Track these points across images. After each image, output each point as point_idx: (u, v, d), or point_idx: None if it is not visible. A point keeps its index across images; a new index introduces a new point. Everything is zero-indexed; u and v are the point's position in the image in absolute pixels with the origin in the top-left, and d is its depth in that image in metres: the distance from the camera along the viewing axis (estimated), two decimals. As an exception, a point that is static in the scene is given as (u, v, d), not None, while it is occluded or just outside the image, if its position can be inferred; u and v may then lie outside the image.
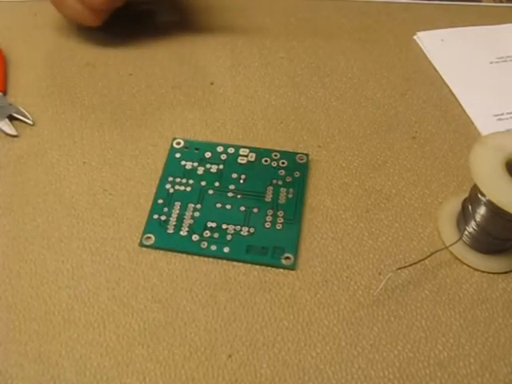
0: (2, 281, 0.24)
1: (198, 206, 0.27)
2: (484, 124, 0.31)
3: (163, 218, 0.26)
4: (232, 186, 0.27)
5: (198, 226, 0.26)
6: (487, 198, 0.22)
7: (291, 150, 0.29)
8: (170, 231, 0.26)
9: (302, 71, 0.34)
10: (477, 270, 0.25)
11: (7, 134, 0.30)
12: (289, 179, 0.28)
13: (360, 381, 0.21)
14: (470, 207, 0.24)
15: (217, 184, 0.27)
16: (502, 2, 0.42)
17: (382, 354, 0.22)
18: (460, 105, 0.32)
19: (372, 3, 0.39)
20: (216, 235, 0.25)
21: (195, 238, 0.25)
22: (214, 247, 0.25)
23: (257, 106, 0.32)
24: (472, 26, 0.37)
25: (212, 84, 0.33)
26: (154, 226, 0.26)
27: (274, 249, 0.25)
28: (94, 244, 0.26)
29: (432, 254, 0.24)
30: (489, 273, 0.24)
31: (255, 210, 0.26)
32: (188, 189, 0.27)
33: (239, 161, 0.28)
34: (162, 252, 0.25)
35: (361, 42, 0.36)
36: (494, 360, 0.22)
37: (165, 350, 0.22)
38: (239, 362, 0.22)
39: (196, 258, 0.25)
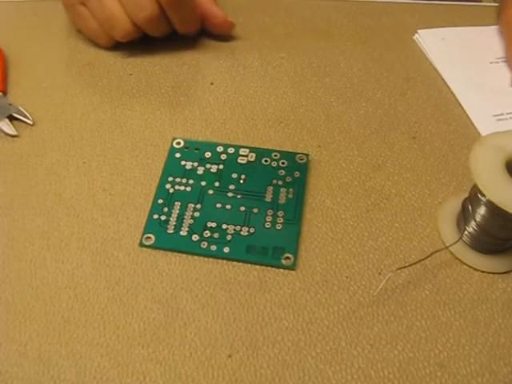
0: (2, 281, 0.24)
1: (198, 206, 0.27)
2: (484, 124, 0.31)
3: (163, 217, 0.26)
4: (232, 186, 0.27)
5: (197, 226, 0.26)
6: (487, 197, 0.22)
7: (291, 150, 0.29)
8: (170, 231, 0.26)
9: (302, 71, 0.34)
10: (477, 269, 0.25)
11: (7, 134, 0.30)
12: (289, 179, 0.28)
13: (360, 381, 0.21)
14: (469, 207, 0.24)
15: (217, 184, 0.27)
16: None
17: (382, 353, 0.22)
18: (460, 105, 0.32)
19: (372, 3, 0.39)
20: (216, 235, 0.25)
21: (195, 238, 0.25)
22: (213, 247, 0.25)
23: (257, 105, 0.32)
24: (472, 26, 0.37)
25: (212, 84, 0.33)
26: (154, 225, 0.26)
27: (273, 249, 0.25)
28: (94, 244, 0.26)
29: (432, 254, 0.24)
30: (489, 273, 0.24)
31: (255, 210, 0.26)
32: (188, 189, 0.27)
33: (239, 161, 0.28)
34: (161, 252, 0.25)
35: (361, 42, 0.36)
36: (493, 360, 0.22)
37: (165, 349, 0.22)
38: (239, 362, 0.22)
39: (196, 257, 0.25)
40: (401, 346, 0.22)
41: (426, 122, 0.31)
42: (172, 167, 0.28)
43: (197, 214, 0.26)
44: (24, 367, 0.22)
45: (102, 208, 0.27)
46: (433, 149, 0.30)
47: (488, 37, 0.36)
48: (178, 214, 0.26)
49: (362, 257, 0.25)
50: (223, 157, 0.29)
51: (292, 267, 0.24)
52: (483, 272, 0.24)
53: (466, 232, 0.25)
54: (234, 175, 0.28)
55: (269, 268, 0.25)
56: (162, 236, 0.25)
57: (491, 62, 0.35)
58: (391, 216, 0.27)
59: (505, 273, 0.25)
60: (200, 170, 0.28)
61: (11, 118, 0.31)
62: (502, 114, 0.31)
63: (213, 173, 0.28)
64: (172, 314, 0.23)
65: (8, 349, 0.22)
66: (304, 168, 0.28)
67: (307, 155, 0.29)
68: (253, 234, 0.25)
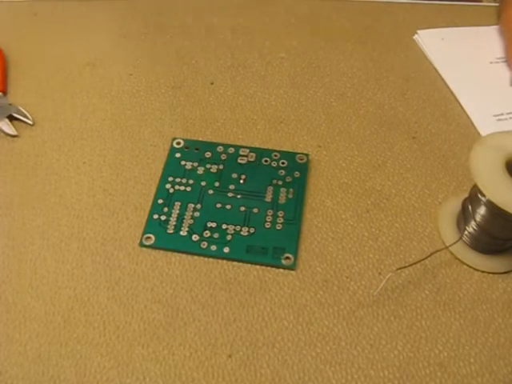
0: (2, 281, 0.24)
1: (198, 205, 0.27)
2: (484, 124, 0.31)
3: (163, 217, 0.26)
4: (232, 186, 0.27)
5: (197, 226, 0.26)
6: (487, 197, 0.22)
7: (291, 150, 0.29)
8: (170, 231, 0.26)
9: (302, 71, 0.34)
10: (477, 269, 0.25)
11: (7, 134, 0.30)
12: (289, 179, 0.28)
13: (360, 381, 0.21)
14: (469, 207, 0.24)
15: (217, 184, 0.27)
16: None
17: (382, 353, 0.22)
18: (460, 105, 0.32)
19: (372, 3, 0.39)
20: (216, 235, 0.25)
21: (195, 238, 0.25)
22: (213, 247, 0.25)
23: (257, 105, 0.32)
24: (472, 26, 0.37)
25: (212, 84, 0.33)
26: (154, 226, 0.26)
27: (273, 249, 0.25)
28: (94, 244, 0.26)
29: (432, 253, 0.24)
30: (489, 273, 0.24)
31: (255, 210, 0.26)
32: (188, 189, 0.27)
33: (239, 161, 0.28)
34: (162, 252, 0.25)
35: (361, 42, 0.36)
36: (493, 360, 0.22)
37: (165, 349, 0.22)
38: (239, 361, 0.22)
39: (196, 257, 0.25)
40: (401, 345, 0.22)
41: (425, 121, 0.31)
42: (172, 167, 0.28)
43: (197, 214, 0.26)
44: (24, 367, 0.22)
45: (101, 208, 0.27)
46: (433, 149, 0.30)
47: (488, 37, 0.36)
48: (178, 213, 0.26)
49: (361, 257, 0.25)
50: (223, 157, 0.29)
51: (292, 267, 0.24)
52: (483, 272, 0.24)
53: (466, 232, 0.25)
54: (234, 175, 0.28)
55: (269, 268, 0.25)
56: (161, 236, 0.25)
57: (491, 62, 0.35)
58: (391, 216, 0.27)
59: (505, 273, 0.25)
60: (200, 170, 0.28)
61: (11, 118, 0.31)
62: (501, 114, 0.31)
63: (213, 173, 0.28)
64: (172, 314, 0.23)
65: (8, 349, 0.22)
66: (304, 168, 0.28)
67: (307, 155, 0.29)
68: (253, 233, 0.25)
